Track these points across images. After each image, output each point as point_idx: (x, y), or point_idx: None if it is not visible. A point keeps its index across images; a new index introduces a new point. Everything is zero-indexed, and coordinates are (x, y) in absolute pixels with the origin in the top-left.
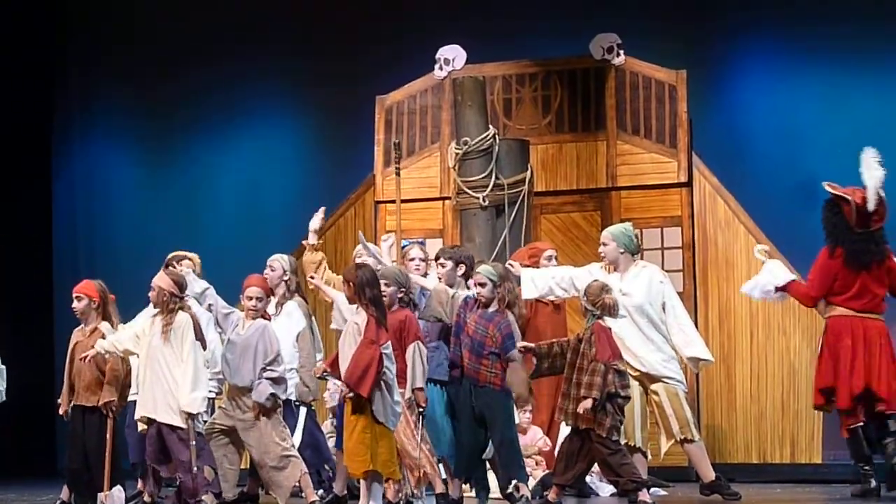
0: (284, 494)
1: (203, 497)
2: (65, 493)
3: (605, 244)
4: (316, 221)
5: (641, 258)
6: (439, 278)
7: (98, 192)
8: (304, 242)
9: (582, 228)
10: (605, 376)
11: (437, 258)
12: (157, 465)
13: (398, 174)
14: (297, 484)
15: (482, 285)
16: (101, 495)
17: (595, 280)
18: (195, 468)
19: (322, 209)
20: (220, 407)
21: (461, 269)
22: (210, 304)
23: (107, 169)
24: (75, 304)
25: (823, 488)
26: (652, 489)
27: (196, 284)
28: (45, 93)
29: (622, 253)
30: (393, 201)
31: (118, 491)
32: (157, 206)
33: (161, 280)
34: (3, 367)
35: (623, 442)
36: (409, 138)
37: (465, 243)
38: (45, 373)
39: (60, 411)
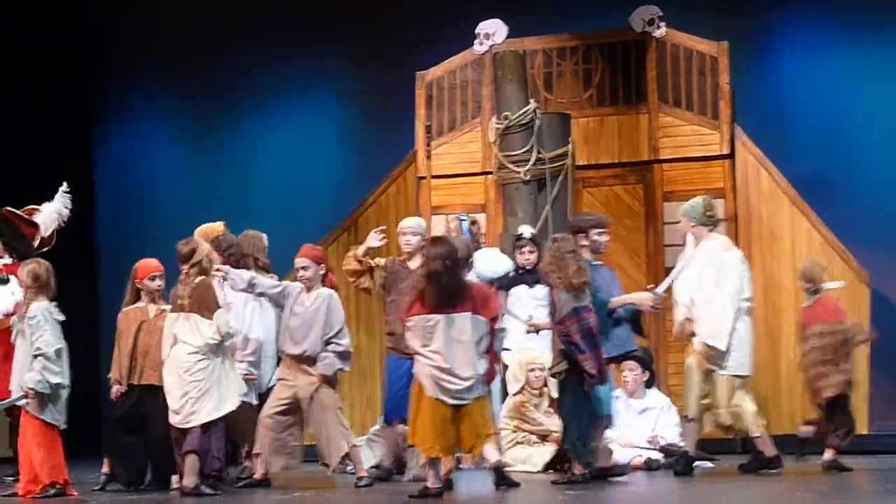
0: (333, 465)
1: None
2: (106, 466)
3: (678, 221)
4: (373, 241)
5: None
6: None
7: (141, 174)
8: (352, 251)
9: (624, 202)
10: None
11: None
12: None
13: (429, 157)
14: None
15: None
16: (175, 479)
17: (808, 259)
18: None
19: (382, 229)
20: (278, 380)
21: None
22: (261, 292)
23: (150, 150)
24: (160, 282)
25: (870, 459)
26: (697, 462)
27: (239, 280)
28: (87, 75)
29: (693, 227)
30: (434, 177)
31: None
32: (201, 187)
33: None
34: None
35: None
36: (449, 113)
37: (508, 218)
38: (89, 353)
39: (115, 388)
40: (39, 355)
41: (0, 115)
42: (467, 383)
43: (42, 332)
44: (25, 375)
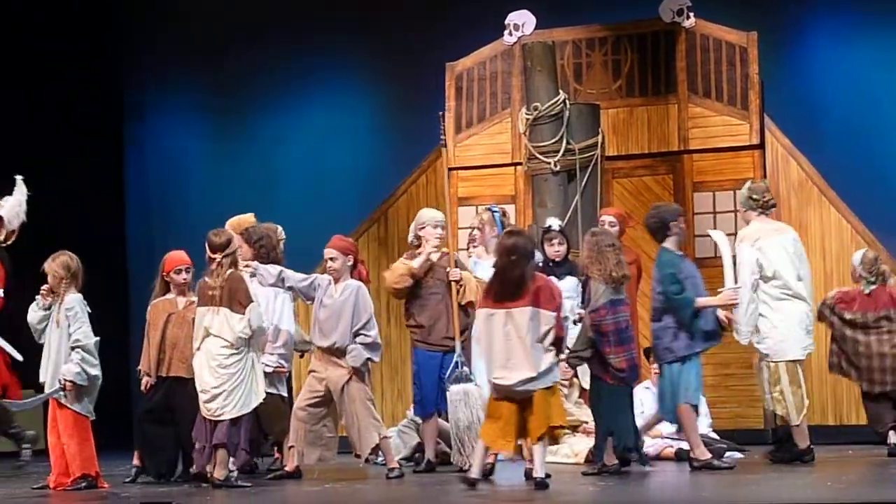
0: (364, 456)
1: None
2: (137, 458)
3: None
4: (434, 255)
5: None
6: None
7: (171, 166)
8: (405, 267)
9: (654, 192)
10: None
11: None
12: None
13: (444, 146)
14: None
15: None
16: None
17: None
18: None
19: (446, 251)
20: (309, 371)
21: None
22: (290, 286)
23: (179, 143)
24: (185, 275)
25: None
26: (727, 453)
27: (268, 276)
28: (114, 68)
29: (745, 212)
30: (464, 168)
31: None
32: (230, 179)
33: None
34: (97, 338)
35: None
36: (479, 104)
37: (537, 209)
38: (119, 345)
39: (144, 380)
40: (78, 347)
41: (32, 112)
42: (524, 376)
43: (80, 323)
44: (63, 367)
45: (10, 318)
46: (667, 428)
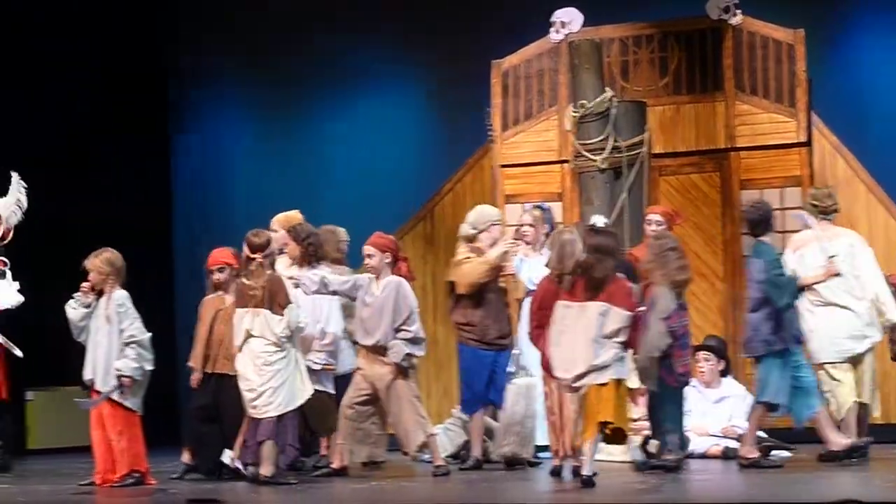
0: (411, 454)
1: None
2: (186, 456)
3: None
4: (511, 246)
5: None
6: None
7: (216, 164)
8: (489, 260)
9: (701, 190)
10: None
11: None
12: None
13: (493, 141)
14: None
15: None
16: (227, 452)
17: None
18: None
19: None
20: (356, 370)
21: None
22: (333, 290)
23: (225, 141)
24: (218, 275)
25: None
26: (775, 451)
27: (311, 283)
28: (161, 64)
29: (810, 218)
30: (510, 165)
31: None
32: (276, 177)
33: None
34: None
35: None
36: (525, 102)
37: (584, 206)
38: (166, 341)
39: (193, 377)
40: (133, 342)
41: (79, 110)
42: (578, 371)
43: (132, 319)
44: (117, 363)
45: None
46: (714, 426)
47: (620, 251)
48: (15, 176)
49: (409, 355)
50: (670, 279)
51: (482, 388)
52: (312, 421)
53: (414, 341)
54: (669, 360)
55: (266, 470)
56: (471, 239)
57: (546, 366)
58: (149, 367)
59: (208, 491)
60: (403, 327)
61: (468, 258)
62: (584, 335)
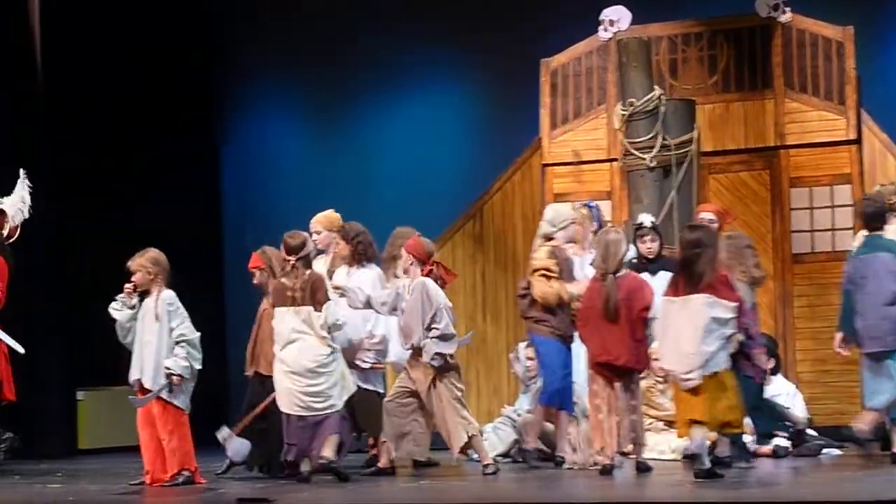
0: (454, 454)
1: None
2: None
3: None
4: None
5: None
6: None
7: (266, 163)
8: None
9: (750, 188)
10: None
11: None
12: None
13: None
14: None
15: None
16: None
17: None
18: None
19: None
20: (403, 368)
21: None
22: (382, 302)
23: (274, 140)
24: (255, 279)
25: None
26: (825, 449)
27: (355, 298)
28: (210, 66)
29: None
30: (559, 164)
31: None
32: (324, 176)
33: None
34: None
35: None
36: (574, 100)
37: (633, 205)
38: (216, 341)
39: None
40: (183, 341)
41: (129, 110)
42: (687, 367)
43: (182, 318)
44: (167, 361)
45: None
46: None
47: (716, 244)
48: (22, 174)
49: (440, 355)
50: (749, 276)
51: (562, 383)
52: (361, 419)
53: (443, 338)
54: (751, 357)
55: (329, 453)
56: (549, 237)
57: (593, 364)
58: (197, 366)
59: (258, 490)
60: (433, 325)
61: (550, 272)
62: (689, 328)
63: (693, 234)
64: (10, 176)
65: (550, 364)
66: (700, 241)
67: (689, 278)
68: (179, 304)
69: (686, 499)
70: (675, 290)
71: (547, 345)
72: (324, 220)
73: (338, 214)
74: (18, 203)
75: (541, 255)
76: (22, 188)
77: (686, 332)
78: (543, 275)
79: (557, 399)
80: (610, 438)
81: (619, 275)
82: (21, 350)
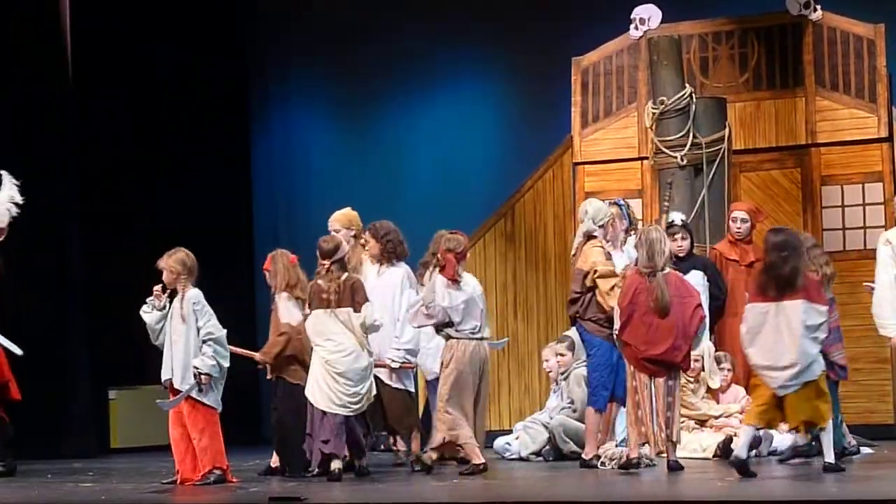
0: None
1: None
2: (274, 459)
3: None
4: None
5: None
6: None
7: (296, 160)
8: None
9: (782, 186)
10: None
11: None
12: None
13: (665, 212)
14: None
15: None
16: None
17: None
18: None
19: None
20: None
21: None
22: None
23: (305, 137)
24: (267, 279)
25: None
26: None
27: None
28: (240, 62)
29: None
30: (590, 162)
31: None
32: (355, 173)
33: None
34: (225, 331)
35: None
36: (605, 99)
37: (664, 203)
38: (247, 339)
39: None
40: (210, 340)
41: (158, 106)
42: (788, 373)
43: (209, 316)
44: (195, 360)
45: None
46: None
47: (803, 247)
48: (5, 175)
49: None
50: (822, 273)
51: (612, 382)
52: (392, 418)
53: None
54: (827, 354)
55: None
56: (591, 234)
57: (637, 360)
58: (225, 363)
59: (290, 489)
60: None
61: (613, 276)
62: (787, 333)
63: (778, 237)
64: (42, 175)
65: (601, 365)
66: (786, 244)
67: (778, 283)
68: (205, 303)
69: (719, 493)
70: (762, 295)
71: (601, 346)
72: (342, 219)
73: (356, 213)
74: (6, 203)
75: (597, 258)
76: (9, 188)
77: (783, 337)
78: (602, 276)
79: (604, 400)
80: (651, 435)
81: (665, 272)
82: (19, 352)
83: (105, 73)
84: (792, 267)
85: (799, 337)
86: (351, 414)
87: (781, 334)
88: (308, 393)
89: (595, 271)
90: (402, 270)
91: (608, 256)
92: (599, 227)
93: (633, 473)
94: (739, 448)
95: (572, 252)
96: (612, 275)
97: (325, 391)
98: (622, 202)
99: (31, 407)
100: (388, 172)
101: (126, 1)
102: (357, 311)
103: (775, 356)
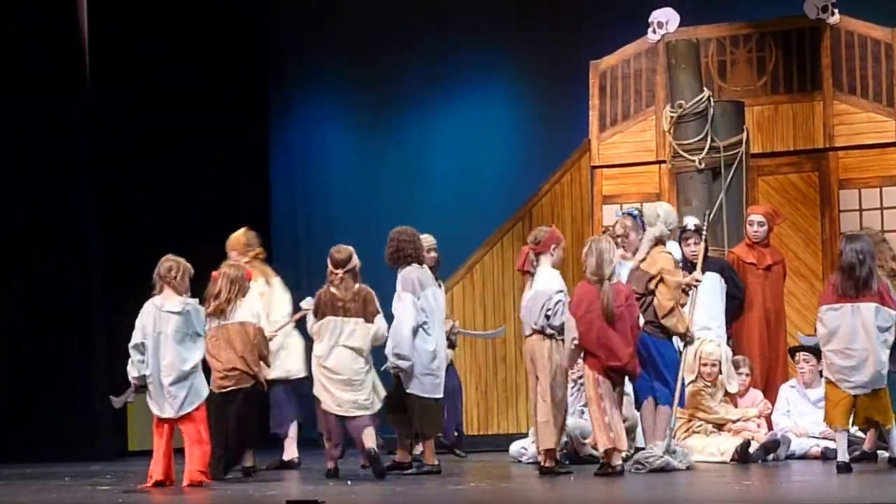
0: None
1: None
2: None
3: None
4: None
5: None
6: None
7: (315, 162)
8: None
9: (800, 189)
10: None
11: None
12: None
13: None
14: None
15: None
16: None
17: None
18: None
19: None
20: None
21: None
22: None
23: (324, 139)
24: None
25: None
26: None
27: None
28: (260, 66)
29: None
30: (608, 166)
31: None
32: (374, 176)
33: None
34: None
35: None
36: (623, 102)
37: (682, 207)
38: None
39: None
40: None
41: (179, 108)
42: (865, 377)
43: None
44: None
45: None
46: (813, 428)
47: (874, 252)
48: None
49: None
50: (889, 269)
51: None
52: (417, 423)
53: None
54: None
55: (370, 443)
56: (662, 239)
57: (602, 368)
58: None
59: (308, 492)
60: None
61: (674, 282)
62: (864, 335)
63: (854, 243)
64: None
65: (670, 364)
66: (862, 249)
67: (857, 284)
68: (142, 312)
69: (735, 496)
70: (836, 296)
71: (666, 346)
72: (231, 242)
73: (250, 233)
74: None
75: (665, 265)
76: None
77: (859, 338)
78: (666, 284)
79: (668, 398)
80: (618, 439)
81: (612, 282)
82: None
83: (123, 74)
84: (868, 270)
85: (874, 341)
86: (347, 415)
87: (857, 335)
88: (318, 392)
89: (661, 277)
90: (401, 275)
91: (676, 265)
92: (669, 230)
93: (634, 475)
94: (840, 454)
95: (640, 256)
96: (677, 286)
97: (328, 393)
98: (635, 212)
99: (49, 411)
100: (407, 174)
101: (145, 2)
102: (369, 321)
103: (851, 357)
